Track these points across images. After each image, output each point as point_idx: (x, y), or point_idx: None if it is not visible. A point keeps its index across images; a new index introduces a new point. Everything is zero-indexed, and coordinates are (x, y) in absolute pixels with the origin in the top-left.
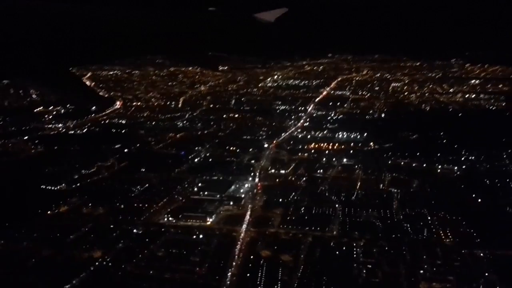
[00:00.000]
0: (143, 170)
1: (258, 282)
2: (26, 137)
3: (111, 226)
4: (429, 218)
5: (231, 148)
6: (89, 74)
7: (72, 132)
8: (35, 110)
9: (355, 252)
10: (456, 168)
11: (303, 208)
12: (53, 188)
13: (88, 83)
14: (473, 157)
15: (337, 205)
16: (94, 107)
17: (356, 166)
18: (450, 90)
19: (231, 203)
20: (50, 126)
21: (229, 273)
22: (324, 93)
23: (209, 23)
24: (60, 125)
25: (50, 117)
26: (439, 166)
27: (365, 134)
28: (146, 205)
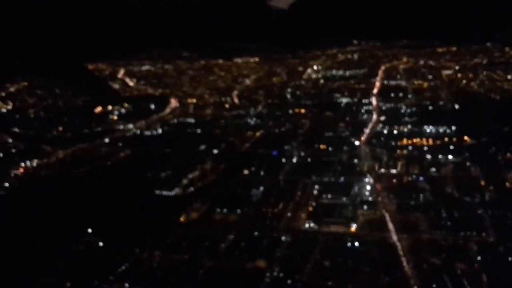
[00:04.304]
0: (246, 172)
1: None
2: (107, 140)
3: (255, 233)
4: None
5: (321, 147)
6: (122, 71)
7: (149, 133)
8: (95, 111)
9: None
10: None
11: (443, 211)
12: (170, 193)
13: (127, 80)
14: None
15: (477, 208)
16: (153, 106)
17: (468, 163)
18: (508, 77)
19: (365, 207)
20: (121, 127)
21: (414, 284)
22: (377, 83)
23: (224, 11)
24: (130, 125)
25: (115, 117)
26: None
27: (453, 128)
28: (276, 210)
